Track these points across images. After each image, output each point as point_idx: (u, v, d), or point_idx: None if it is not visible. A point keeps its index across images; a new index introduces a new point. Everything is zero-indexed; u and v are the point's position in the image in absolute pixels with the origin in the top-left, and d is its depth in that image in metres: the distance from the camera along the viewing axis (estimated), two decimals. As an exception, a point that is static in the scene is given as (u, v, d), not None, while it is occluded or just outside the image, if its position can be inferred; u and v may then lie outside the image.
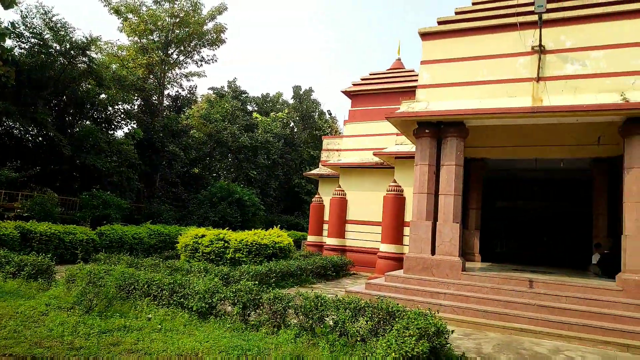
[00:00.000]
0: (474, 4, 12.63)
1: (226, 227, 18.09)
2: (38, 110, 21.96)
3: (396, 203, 16.41)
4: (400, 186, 16.54)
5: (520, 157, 13.52)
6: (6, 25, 20.85)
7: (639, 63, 9.99)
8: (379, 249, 16.69)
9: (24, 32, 22.40)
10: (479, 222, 15.54)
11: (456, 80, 11.66)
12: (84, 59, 23.99)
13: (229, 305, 7.93)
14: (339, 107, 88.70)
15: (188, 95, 37.36)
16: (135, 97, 30.70)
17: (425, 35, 12.23)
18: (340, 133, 39.99)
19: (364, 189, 19.19)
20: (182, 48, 33.41)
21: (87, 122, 27.12)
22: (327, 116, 48.21)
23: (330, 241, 19.41)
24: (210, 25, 33.44)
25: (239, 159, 37.30)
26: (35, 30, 22.55)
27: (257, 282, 8.59)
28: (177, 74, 35.29)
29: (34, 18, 22.74)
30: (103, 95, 26.86)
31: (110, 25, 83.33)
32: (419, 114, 11.40)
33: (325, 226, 20.41)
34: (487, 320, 9.21)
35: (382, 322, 6.59)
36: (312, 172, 22.80)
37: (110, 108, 28.39)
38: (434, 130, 11.62)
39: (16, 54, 21.58)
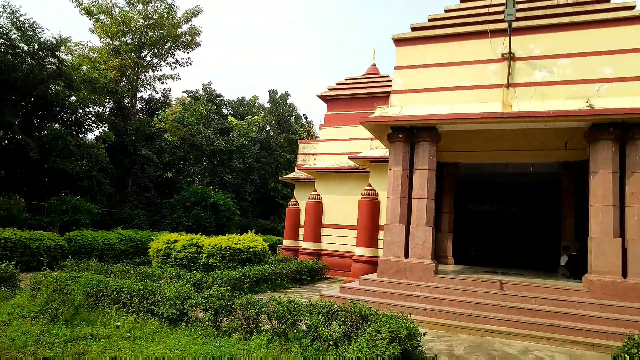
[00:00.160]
0: (446, 11, 12.85)
1: (200, 232, 17.82)
2: (4, 112, 21.24)
3: (371, 207, 16.50)
4: (375, 190, 16.65)
5: (491, 162, 13.77)
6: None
7: (604, 71, 10.35)
8: (354, 252, 16.74)
9: (-11, 31, 21.69)
10: (452, 226, 15.75)
11: (429, 86, 11.83)
12: (53, 60, 23.31)
13: (201, 312, 7.81)
14: (322, 110, 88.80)
15: (162, 99, 36.76)
16: (107, 100, 30.01)
17: (399, 41, 12.38)
18: (316, 137, 40.04)
19: (339, 193, 19.24)
20: (155, 50, 32.86)
21: (57, 125, 26.36)
22: (304, 120, 48.21)
23: (306, 245, 19.36)
24: (185, 27, 33.04)
25: (214, 162, 36.88)
26: (1, 30, 21.83)
27: (230, 287, 8.49)
28: (150, 77, 34.66)
29: (0, 17, 22.05)
30: (73, 98, 26.16)
31: (82, 27, 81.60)
32: (393, 118, 11.51)
33: (301, 230, 20.36)
34: (459, 322, 9.34)
35: (355, 326, 6.59)
36: (288, 176, 22.74)
37: (80, 111, 27.66)
38: (407, 135, 11.75)
39: (-20, 54, 20.88)
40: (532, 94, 10.77)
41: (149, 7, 31.40)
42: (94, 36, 35.69)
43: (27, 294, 8.98)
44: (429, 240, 11.26)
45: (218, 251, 14.06)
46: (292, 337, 6.72)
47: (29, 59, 22.72)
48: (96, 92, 26.75)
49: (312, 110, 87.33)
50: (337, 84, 21.16)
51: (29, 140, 22.03)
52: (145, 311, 7.99)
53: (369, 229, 16.41)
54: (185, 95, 41.88)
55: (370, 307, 6.92)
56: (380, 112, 12.34)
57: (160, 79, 35.38)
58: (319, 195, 19.57)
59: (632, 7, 10.53)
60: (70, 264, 12.50)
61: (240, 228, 27.37)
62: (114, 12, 30.76)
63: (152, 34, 31.86)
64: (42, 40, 22.54)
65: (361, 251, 16.25)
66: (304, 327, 6.88)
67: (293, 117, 47.03)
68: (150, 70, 33.84)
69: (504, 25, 10.76)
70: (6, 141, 23.90)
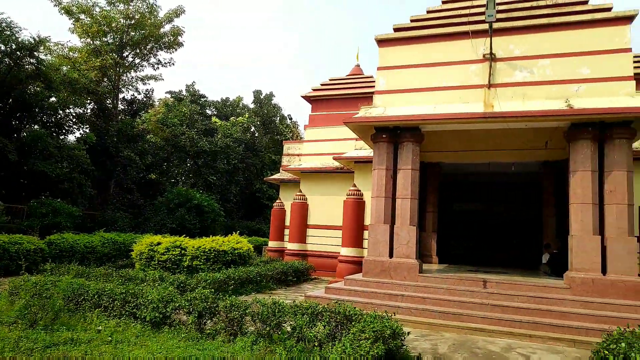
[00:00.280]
0: (428, 12, 12.95)
1: (184, 234, 17.63)
2: (-19, 113, 20.78)
3: (356, 207, 16.54)
4: (360, 190, 16.69)
5: (474, 161, 13.92)
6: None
7: (582, 71, 10.53)
8: (340, 252, 16.75)
9: (-36, 31, 21.18)
10: (436, 225, 15.87)
11: (412, 86, 11.90)
12: (31, 60, 22.87)
13: (184, 315, 7.72)
14: (307, 110, 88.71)
15: (144, 99, 36.28)
16: (88, 101, 29.54)
17: (382, 42, 12.43)
18: (301, 138, 39.99)
19: (325, 194, 19.24)
20: (137, 51, 32.43)
21: (36, 127, 25.82)
22: (289, 121, 48.11)
23: (292, 246, 19.32)
24: (167, 27, 32.69)
25: (198, 164, 36.56)
26: (-23, 29, 21.35)
27: (214, 289, 8.42)
28: (132, 77, 34.22)
29: (-24, 17, 21.54)
30: (53, 99, 25.65)
31: (62, 27, 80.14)
32: (376, 119, 11.56)
33: (287, 231, 20.30)
34: (443, 321, 9.40)
35: (339, 326, 6.59)
36: (273, 177, 22.67)
37: (60, 112, 27.11)
38: (391, 135, 11.80)
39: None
40: (513, 94, 10.91)
41: (130, 7, 30.97)
42: (74, 36, 35.14)
43: (5, 299, 8.79)
44: (413, 240, 11.33)
45: (202, 253, 13.93)
46: (276, 339, 6.68)
47: (6, 59, 22.24)
48: (77, 93, 26.32)
49: (294, 110, 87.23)
50: (322, 85, 21.18)
51: (7, 142, 21.54)
52: (128, 315, 7.87)
53: (354, 229, 16.44)
54: (169, 96, 41.45)
55: (355, 307, 6.93)
56: (364, 112, 12.38)
57: (142, 80, 34.96)
58: (304, 196, 19.54)
59: (609, 9, 10.74)
60: (50, 268, 12.25)
61: (225, 229, 27.17)
62: (94, 12, 30.28)
63: (133, 34, 31.44)
64: (20, 40, 22.11)
65: (346, 251, 16.28)
66: (289, 329, 6.86)
67: (278, 118, 46.90)
68: (132, 70, 33.40)
69: (485, 26, 10.88)
70: (-17, 143, 23.33)
